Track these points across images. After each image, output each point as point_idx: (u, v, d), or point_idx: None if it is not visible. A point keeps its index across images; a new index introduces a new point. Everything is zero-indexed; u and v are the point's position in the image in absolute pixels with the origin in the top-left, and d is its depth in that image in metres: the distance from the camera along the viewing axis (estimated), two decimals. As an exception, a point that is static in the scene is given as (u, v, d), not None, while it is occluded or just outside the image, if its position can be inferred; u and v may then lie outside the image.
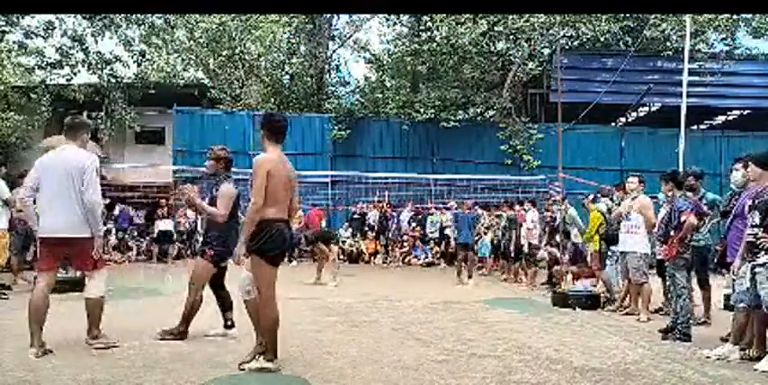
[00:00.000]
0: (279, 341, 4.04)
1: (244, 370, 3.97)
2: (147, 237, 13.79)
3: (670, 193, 5.93)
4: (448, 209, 13.02)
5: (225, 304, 5.15)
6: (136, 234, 14.03)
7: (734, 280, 4.87)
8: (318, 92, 18.77)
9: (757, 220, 4.53)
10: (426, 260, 14.13)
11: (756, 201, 4.60)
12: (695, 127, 19.24)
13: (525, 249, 10.00)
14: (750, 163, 4.80)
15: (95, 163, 4.45)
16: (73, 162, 4.36)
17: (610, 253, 7.75)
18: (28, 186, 4.40)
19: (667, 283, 6.23)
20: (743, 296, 4.67)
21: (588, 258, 8.14)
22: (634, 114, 18.26)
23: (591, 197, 8.67)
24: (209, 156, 5.08)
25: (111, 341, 4.54)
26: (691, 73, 11.18)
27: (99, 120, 15.09)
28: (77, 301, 4.92)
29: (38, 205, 4.43)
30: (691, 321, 5.59)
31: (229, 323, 5.10)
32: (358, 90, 21.38)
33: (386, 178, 15.12)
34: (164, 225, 13.39)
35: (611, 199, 8.23)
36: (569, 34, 15.81)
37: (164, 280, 10.14)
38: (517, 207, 10.73)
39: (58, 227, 4.33)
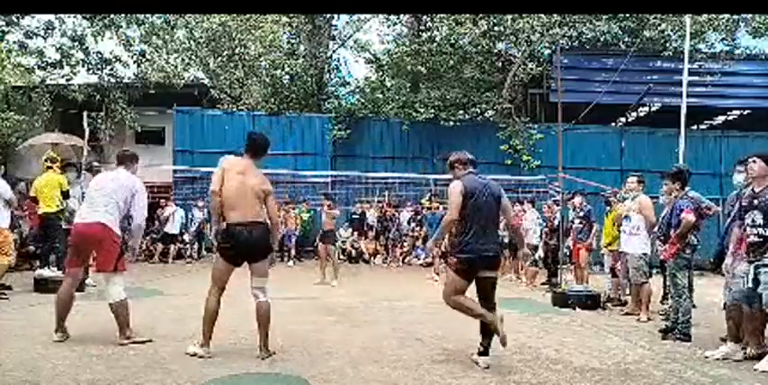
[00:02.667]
0: (279, 341, 4.03)
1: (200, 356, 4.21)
2: (147, 237, 13.77)
3: (673, 193, 5.90)
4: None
5: (486, 326, 4.35)
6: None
7: (728, 280, 4.87)
8: (318, 92, 18.74)
9: (760, 221, 4.52)
10: (426, 260, 14.12)
11: (756, 201, 4.58)
12: (695, 127, 19.22)
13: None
14: (757, 159, 4.60)
15: (143, 187, 4.97)
16: (125, 183, 4.86)
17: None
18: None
19: (667, 283, 6.23)
20: (739, 295, 4.66)
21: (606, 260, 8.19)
22: (634, 114, 18.24)
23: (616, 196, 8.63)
24: None
25: (144, 338, 4.74)
26: (691, 73, 11.16)
27: (99, 120, 15.09)
28: (77, 302, 4.93)
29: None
30: (692, 321, 5.60)
31: (482, 349, 4.38)
32: (358, 90, 21.32)
33: (386, 178, 15.10)
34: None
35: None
36: (569, 34, 15.79)
37: (163, 280, 10.12)
38: (517, 206, 10.76)
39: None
